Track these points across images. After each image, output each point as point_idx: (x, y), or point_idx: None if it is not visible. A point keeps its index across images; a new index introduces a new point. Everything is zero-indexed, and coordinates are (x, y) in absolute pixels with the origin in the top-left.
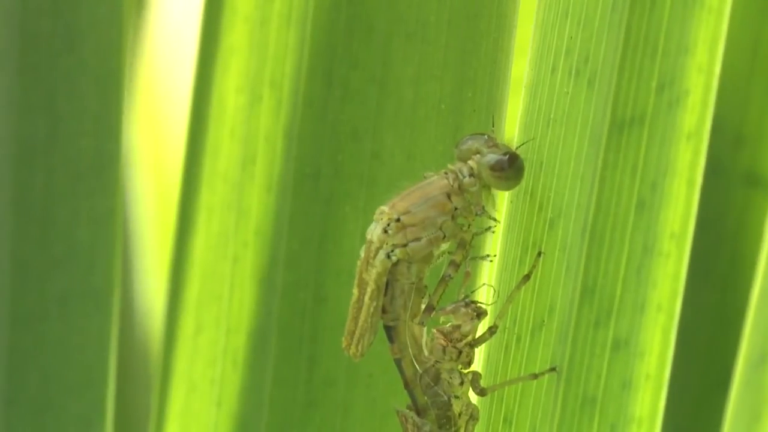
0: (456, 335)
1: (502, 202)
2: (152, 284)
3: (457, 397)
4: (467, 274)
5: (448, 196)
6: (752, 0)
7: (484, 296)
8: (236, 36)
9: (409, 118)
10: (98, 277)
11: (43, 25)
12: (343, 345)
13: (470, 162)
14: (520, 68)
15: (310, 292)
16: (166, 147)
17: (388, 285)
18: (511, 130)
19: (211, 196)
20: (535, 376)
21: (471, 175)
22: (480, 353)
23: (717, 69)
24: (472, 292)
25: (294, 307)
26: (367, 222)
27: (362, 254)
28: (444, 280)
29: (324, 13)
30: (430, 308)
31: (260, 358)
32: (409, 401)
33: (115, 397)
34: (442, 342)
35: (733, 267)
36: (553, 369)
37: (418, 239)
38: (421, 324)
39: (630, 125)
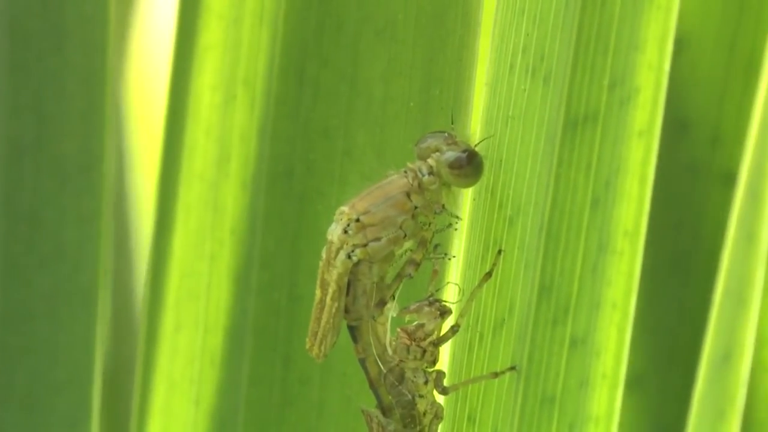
0: (420, 334)
1: (466, 199)
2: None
3: (421, 396)
4: (434, 273)
5: (408, 195)
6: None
7: (450, 295)
8: (211, 34)
9: (378, 116)
10: (85, 276)
11: (31, 25)
12: (307, 346)
13: (429, 160)
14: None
15: (284, 290)
16: (158, 145)
17: (350, 285)
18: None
19: (188, 195)
20: (496, 375)
21: (430, 173)
22: (445, 352)
23: (667, 66)
24: (437, 290)
25: (269, 306)
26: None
27: (323, 255)
28: (401, 276)
29: (295, 11)
30: (381, 303)
31: (236, 356)
32: None
33: (102, 395)
34: (406, 341)
35: (711, 267)
36: (513, 368)
37: (378, 239)
38: (373, 318)
39: (584, 123)
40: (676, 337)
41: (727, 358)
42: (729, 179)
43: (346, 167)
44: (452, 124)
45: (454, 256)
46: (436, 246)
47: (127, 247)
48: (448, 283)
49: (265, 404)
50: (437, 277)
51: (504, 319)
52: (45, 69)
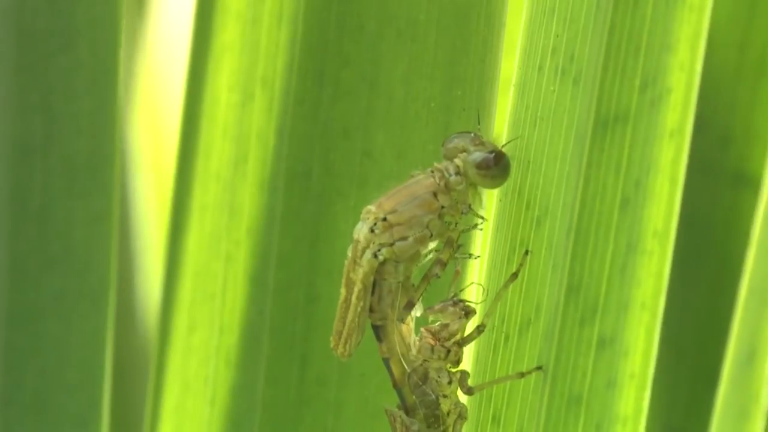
0: (444, 334)
1: (491, 200)
2: (151, 283)
3: (445, 396)
4: (456, 273)
5: (435, 195)
6: None
7: (473, 295)
8: (228, 34)
9: (399, 116)
10: (94, 276)
11: (40, 24)
12: (331, 345)
13: (456, 160)
14: (509, 67)
15: (302, 290)
16: (166, 146)
17: (375, 284)
18: (501, 128)
19: (204, 195)
20: (522, 375)
21: (457, 173)
22: (469, 352)
23: (699, 67)
24: (461, 290)
25: (286, 306)
26: (359, 220)
27: (349, 254)
28: (428, 278)
29: (315, 11)
30: (410, 305)
31: (253, 356)
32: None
33: (112, 396)
34: (431, 341)
35: (721, 266)
36: (539, 368)
37: (404, 238)
38: (401, 320)
39: (614, 123)
40: (684, 335)
41: (751, 357)
42: (740, 179)
43: (365, 168)
44: (478, 124)
45: (478, 256)
46: (458, 246)
47: (128, 246)
48: (471, 283)
49: (282, 404)
50: (459, 277)
51: (530, 320)
52: (54, 68)
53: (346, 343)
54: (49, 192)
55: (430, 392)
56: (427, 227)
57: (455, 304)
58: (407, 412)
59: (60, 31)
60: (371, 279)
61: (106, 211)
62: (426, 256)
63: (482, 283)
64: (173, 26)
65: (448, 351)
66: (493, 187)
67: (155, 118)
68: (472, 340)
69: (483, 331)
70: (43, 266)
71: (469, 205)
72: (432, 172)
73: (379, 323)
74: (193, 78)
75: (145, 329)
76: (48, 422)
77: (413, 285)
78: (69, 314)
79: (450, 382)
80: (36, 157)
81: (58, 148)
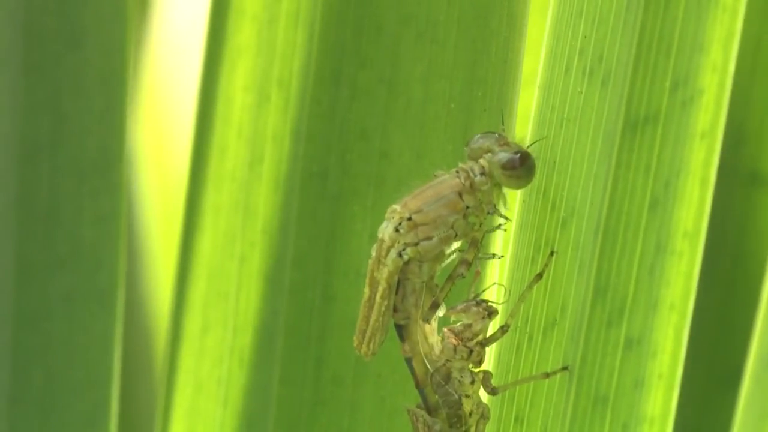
0: (467, 334)
1: (514, 201)
2: (158, 283)
3: (467, 396)
4: (477, 273)
5: (460, 195)
6: None
7: (494, 295)
8: (244, 35)
9: (418, 117)
10: (103, 276)
11: (48, 23)
12: (355, 344)
13: (481, 161)
14: (530, 67)
15: (317, 291)
16: (172, 146)
17: (399, 284)
18: (522, 129)
19: (218, 196)
20: (547, 375)
21: (482, 173)
22: (491, 352)
23: (731, 68)
24: (483, 291)
25: (301, 306)
26: (376, 221)
27: (373, 253)
28: (452, 278)
29: (332, 12)
30: (435, 305)
31: (267, 357)
32: (419, 400)
33: (119, 396)
34: (453, 341)
35: (737, 265)
36: (565, 368)
37: (429, 238)
38: (426, 321)
39: (644, 124)
40: (700, 334)
41: None
42: (754, 178)
43: (383, 169)
44: (503, 125)
45: (501, 256)
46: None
47: (133, 246)
48: (493, 284)
49: (297, 405)
50: (480, 277)
51: (555, 320)
52: (62, 67)
53: (369, 342)
54: (57, 191)
55: (453, 392)
56: (452, 227)
57: (478, 304)
58: (429, 412)
59: (68, 31)
60: (396, 278)
61: (115, 210)
62: (449, 256)
63: (504, 284)
64: (177, 25)
65: (471, 351)
66: (518, 187)
67: (161, 117)
68: (495, 341)
69: (507, 331)
70: (51, 266)
71: (494, 206)
72: (457, 172)
73: (402, 323)
74: (208, 78)
75: (153, 329)
76: (56, 422)
77: (437, 285)
78: (77, 314)
79: (473, 382)
80: (44, 156)
81: (66, 147)
